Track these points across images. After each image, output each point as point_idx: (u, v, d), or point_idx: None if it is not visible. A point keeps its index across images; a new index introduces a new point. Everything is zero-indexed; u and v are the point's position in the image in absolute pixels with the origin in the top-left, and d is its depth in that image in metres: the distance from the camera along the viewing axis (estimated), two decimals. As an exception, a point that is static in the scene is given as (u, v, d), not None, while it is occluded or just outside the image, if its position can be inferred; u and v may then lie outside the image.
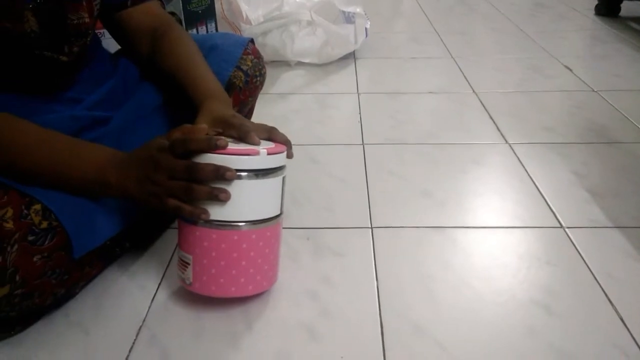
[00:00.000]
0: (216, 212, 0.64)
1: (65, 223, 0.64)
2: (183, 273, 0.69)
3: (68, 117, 0.75)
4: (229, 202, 0.63)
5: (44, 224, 0.63)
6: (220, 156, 0.62)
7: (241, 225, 0.66)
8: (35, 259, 0.61)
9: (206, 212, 0.63)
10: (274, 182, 0.67)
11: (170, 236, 0.89)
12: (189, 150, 0.62)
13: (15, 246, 0.59)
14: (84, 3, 0.73)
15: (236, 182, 0.63)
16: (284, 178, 0.70)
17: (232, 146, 0.64)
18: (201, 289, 0.68)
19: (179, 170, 0.62)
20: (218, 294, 0.69)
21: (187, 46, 0.83)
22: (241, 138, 0.67)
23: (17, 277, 0.60)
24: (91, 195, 0.69)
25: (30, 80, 0.73)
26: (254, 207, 0.66)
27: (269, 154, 0.65)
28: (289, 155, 0.71)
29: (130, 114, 0.83)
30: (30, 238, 0.61)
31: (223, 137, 0.62)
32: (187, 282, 0.68)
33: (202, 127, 0.67)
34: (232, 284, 0.68)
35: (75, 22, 0.72)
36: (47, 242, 0.62)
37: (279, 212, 0.70)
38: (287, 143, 0.70)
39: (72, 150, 0.67)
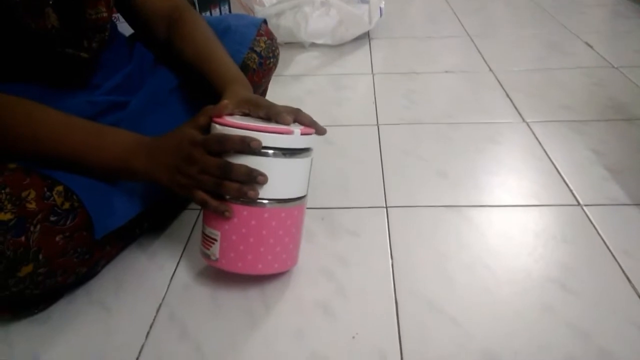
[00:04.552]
0: None
1: (87, 204, 0.65)
2: (208, 249, 0.69)
3: (85, 102, 0.76)
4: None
5: (67, 205, 0.64)
6: (257, 133, 0.63)
7: (272, 203, 0.66)
8: (57, 238, 0.63)
9: (230, 210, 0.65)
10: (304, 162, 0.69)
11: (188, 217, 0.90)
12: (224, 150, 0.63)
13: (38, 226, 0.61)
14: None
15: (270, 160, 0.64)
16: (311, 160, 0.71)
17: (264, 125, 0.65)
18: (227, 265, 0.69)
19: (213, 168, 0.63)
20: (244, 271, 0.69)
21: (203, 32, 0.83)
22: (271, 118, 0.67)
23: (40, 256, 0.61)
24: (115, 180, 0.70)
25: (51, 75, 0.74)
26: (285, 185, 0.67)
27: (302, 134, 0.66)
28: (322, 132, 0.71)
29: (148, 98, 0.84)
30: (53, 218, 0.62)
31: (257, 138, 0.62)
32: (213, 258, 0.69)
33: (225, 102, 0.67)
34: (259, 261, 0.69)
35: (93, 17, 0.72)
36: (68, 222, 0.64)
37: (305, 193, 0.71)
38: (313, 124, 0.71)
39: (96, 137, 0.67)
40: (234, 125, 0.64)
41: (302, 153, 0.68)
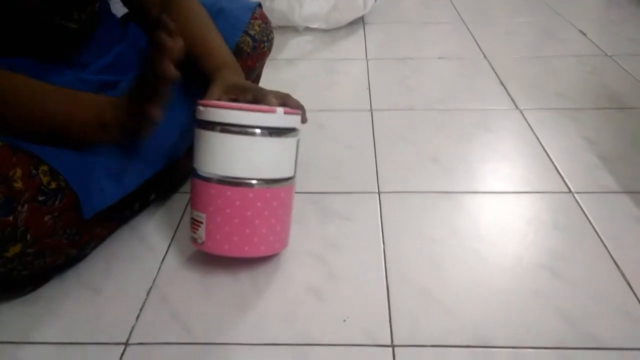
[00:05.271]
0: (232, 169, 0.66)
1: (73, 184, 0.65)
2: (195, 233, 0.69)
3: (75, 80, 0.75)
4: (245, 159, 0.65)
5: (53, 185, 0.63)
6: (238, 112, 0.64)
7: (256, 183, 0.66)
8: (46, 218, 0.62)
9: (178, 42, 0.60)
10: (289, 142, 0.69)
11: (179, 201, 0.89)
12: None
13: (26, 206, 0.60)
14: None
15: (253, 139, 0.65)
16: (298, 141, 0.70)
17: (249, 105, 0.65)
18: (214, 247, 0.69)
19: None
20: (230, 253, 0.69)
21: (197, 15, 0.82)
22: (258, 100, 0.68)
23: (29, 236, 0.61)
24: (92, 142, 0.68)
25: (39, 48, 0.72)
26: (270, 165, 0.67)
27: (285, 113, 0.66)
28: (303, 120, 0.71)
29: None
30: (41, 198, 0.62)
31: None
32: (200, 241, 0.69)
33: (213, 94, 0.68)
34: (245, 243, 0.68)
35: None
36: (57, 203, 0.63)
37: (292, 174, 0.71)
38: (301, 107, 0.71)
39: (74, 99, 0.66)
40: (217, 105, 0.65)
41: (287, 133, 0.68)
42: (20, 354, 0.64)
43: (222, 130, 0.64)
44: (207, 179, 0.67)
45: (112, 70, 0.81)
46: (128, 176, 0.73)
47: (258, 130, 0.65)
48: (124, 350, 0.63)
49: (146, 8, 0.84)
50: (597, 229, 0.81)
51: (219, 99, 0.69)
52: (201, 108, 0.66)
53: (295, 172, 0.72)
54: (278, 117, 0.66)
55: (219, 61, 0.77)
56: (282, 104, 0.70)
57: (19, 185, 0.60)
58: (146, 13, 0.85)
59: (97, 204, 0.68)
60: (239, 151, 0.65)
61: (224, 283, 0.72)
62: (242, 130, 0.64)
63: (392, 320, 0.66)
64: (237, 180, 0.66)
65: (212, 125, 0.65)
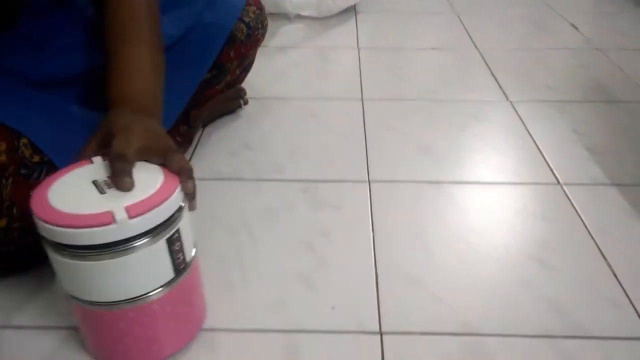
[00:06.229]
0: (79, 292, 0.52)
1: (52, 156, 0.63)
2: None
3: (33, 64, 0.72)
4: (90, 284, 0.51)
5: (36, 158, 0.62)
6: (61, 230, 0.46)
7: (112, 306, 0.52)
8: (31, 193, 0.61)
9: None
10: (146, 251, 0.49)
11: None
12: None
13: (10, 179, 0.59)
14: None
15: (91, 265, 0.49)
16: (175, 232, 0.51)
17: (78, 213, 0.47)
18: (93, 354, 0.60)
19: None
20: None
21: (131, 15, 0.67)
22: (113, 171, 0.51)
23: (15, 210, 0.60)
24: None
25: None
26: (124, 285, 0.51)
27: (131, 216, 0.46)
28: (186, 190, 0.52)
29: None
30: (23, 171, 0.60)
31: None
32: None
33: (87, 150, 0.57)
34: (121, 358, 0.58)
35: None
36: (42, 176, 0.62)
37: (172, 277, 0.54)
38: (184, 172, 0.53)
39: None
40: (39, 216, 0.48)
41: (150, 234, 0.49)
42: (1, 337, 0.63)
43: (58, 250, 0.49)
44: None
45: (75, 56, 0.73)
46: None
47: (96, 252, 0.47)
48: (111, 336, 0.63)
49: None
50: (584, 220, 0.81)
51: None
52: (34, 216, 0.49)
53: (184, 266, 0.55)
54: (119, 229, 0.46)
55: (124, 93, 0.62)
56: (163, 164, 0.53)
57: (2, 158, 0.59)
58: None
59: None
60: (79, 276, 0.50)
61: (212, 269, 0.72)
62: (77, 253, 0.48)
63: (380, 308, 0.66)
64: (89, 302, 0.52)
65: (46, 240, 0.50)
